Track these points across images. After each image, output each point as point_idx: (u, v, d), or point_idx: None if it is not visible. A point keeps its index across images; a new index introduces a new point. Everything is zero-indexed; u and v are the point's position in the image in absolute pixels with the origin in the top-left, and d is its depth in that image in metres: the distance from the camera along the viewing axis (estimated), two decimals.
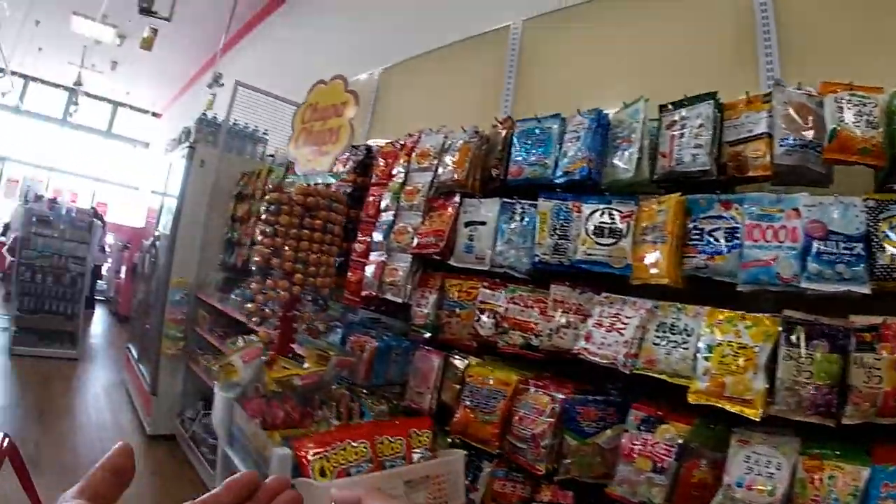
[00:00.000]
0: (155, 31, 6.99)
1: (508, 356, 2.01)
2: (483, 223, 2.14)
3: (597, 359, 1.67)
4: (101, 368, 6.63)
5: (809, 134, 1.49)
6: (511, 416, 1.88)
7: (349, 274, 2.57)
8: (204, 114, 5.16)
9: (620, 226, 1.77)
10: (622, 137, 1.86)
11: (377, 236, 2.46)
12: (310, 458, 1.38)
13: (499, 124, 2.32)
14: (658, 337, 1.60)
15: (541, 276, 1.97)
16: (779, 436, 1.37)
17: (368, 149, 2.88)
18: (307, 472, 1.36)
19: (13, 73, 10.41)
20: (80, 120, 13.22)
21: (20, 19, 9.02)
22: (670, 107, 1.79)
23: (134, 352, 5.76)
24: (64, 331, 6.67)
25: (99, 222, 8.01)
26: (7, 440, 1.33)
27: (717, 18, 2.25)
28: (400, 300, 2.31)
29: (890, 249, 1.30)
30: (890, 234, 1.32)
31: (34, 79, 13.17)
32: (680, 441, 1.49)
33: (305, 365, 1.97)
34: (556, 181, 1.95)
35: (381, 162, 2.64)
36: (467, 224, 2.19)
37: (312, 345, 2.12)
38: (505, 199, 2.12)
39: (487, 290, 2.10)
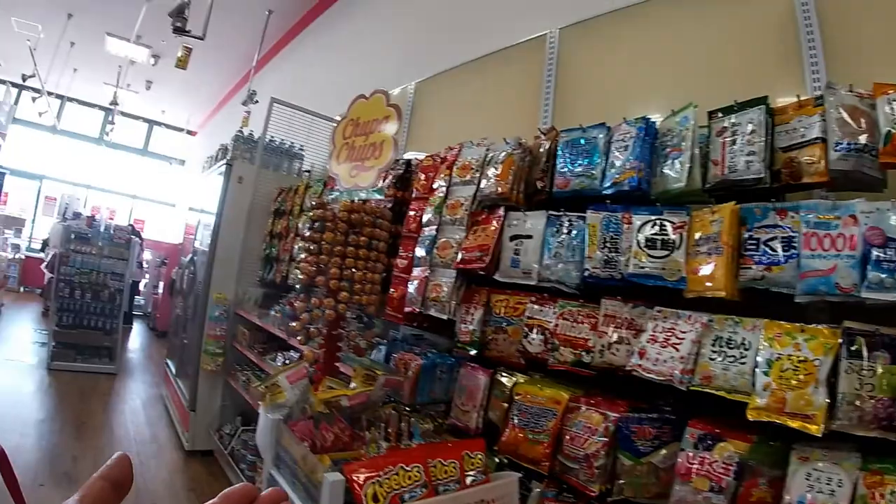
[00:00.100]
0: (189, 49, 7.12)
1: (556, 373, 1.95)
2: (529, 237, 2.09)
3: (652, 375, 1.61)
4: (139, 383, 6.74)
5: (863, 137, 1.42)
6: (562, 436, 1.81)
7: (391, 290, 2.53)
8: (240, 131, 5.22)
9: (673, 237, 1.71)
10: (672, 146, 1.80)
11: (420, 251, 2.42)
12: (361, 483, 1.34)
13: (542, 135, 2.27)
14: (714, 352, 1.54)
15: (590, 290, 1.91)
16: (839, 451, 1.30)
17: (407, 163, 2.85)
18: (359, 497, 1.31)
19: (49, 93, 10.69)
20: (116, 138, 13.53)
21: (55, 42, 9.31)
22: (720, 114, 1.74)
23: (172, 367, 5.83)
24: (102, 346, 6.81)
25: (137, 239, 8.17)
26: None
27: (756, 21, 2.20)
28: (444, 317, 2.26)
29: None
30: None
31: (70, 99, 13.54)
32: (738, 459, 1.42)
33: (352, 385, 1.94)
34: (605, 192, 1.90)
35: (422, 176, 2.61)
36: (513, 238, 2.14)
37: (358, 363, 2.08)
38: (551, 212, 2.07)
39: (535, 306, 2.05)
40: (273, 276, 4.40)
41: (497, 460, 1.93)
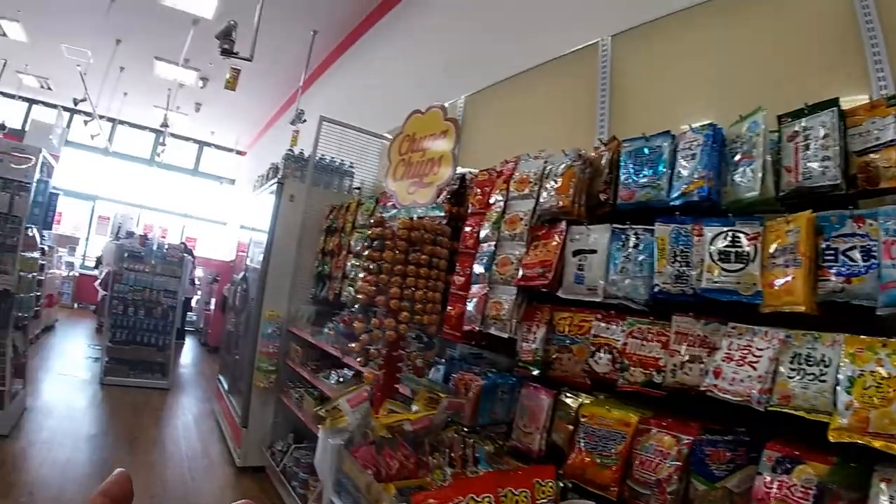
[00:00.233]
0: (237, 71, 7.29)
1: (622, 394, 1.86)
2: (593, 251, 2.01)
3: (729, 396, 1.51)
4: (191, 398, 6.84)
5: None
6: (631, 459, 1.72)
7: (448, 307, 2.48)
8: (290, 149, 5.29)
9: (747, 249, 1.61)
10: (742, 153, 1.71)
11: (478, 268, 2.36)
12: None
13: (602, 146, 2.19)
14: (793, 370, 1.43)
15: (659, 306, 1.82)
16: None
17: (462, 178, 2.81)
18: None
19: (101, 116, 11.09)
20: (167, 159, 14.02)
21: (104, 67, 9.67)
22: (789, 118, 1.63)
23: (224, 383, 5.90)
24: (155, 361, 6.97)
25: (189, 257, 8.37)
26: None
27: (814, 21, 2.11)
28: (505, 335, 2.19)
29: None
30: None
31: (121, 122, 14.08)
32: (818, 482, 1.31)
33: (414, 408, 1.88)
34: (673, 203, 1.81)
35: (477, 191, 2.56)
36: (576, 253, 2.06)
37: (418, 385, 2.03)
38: (615, 226, 1.98)
39: (602, 324, 1.96)
40: (326, 293, 4.40)
41: (562, 485, 1.84)
